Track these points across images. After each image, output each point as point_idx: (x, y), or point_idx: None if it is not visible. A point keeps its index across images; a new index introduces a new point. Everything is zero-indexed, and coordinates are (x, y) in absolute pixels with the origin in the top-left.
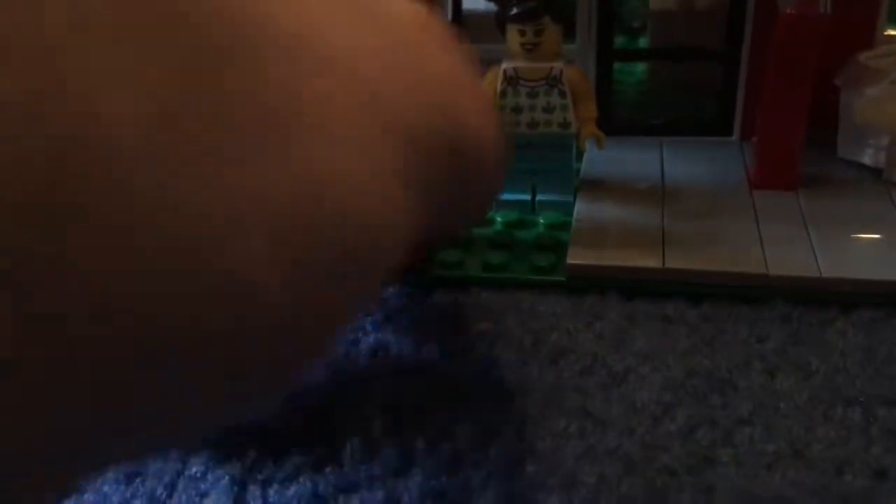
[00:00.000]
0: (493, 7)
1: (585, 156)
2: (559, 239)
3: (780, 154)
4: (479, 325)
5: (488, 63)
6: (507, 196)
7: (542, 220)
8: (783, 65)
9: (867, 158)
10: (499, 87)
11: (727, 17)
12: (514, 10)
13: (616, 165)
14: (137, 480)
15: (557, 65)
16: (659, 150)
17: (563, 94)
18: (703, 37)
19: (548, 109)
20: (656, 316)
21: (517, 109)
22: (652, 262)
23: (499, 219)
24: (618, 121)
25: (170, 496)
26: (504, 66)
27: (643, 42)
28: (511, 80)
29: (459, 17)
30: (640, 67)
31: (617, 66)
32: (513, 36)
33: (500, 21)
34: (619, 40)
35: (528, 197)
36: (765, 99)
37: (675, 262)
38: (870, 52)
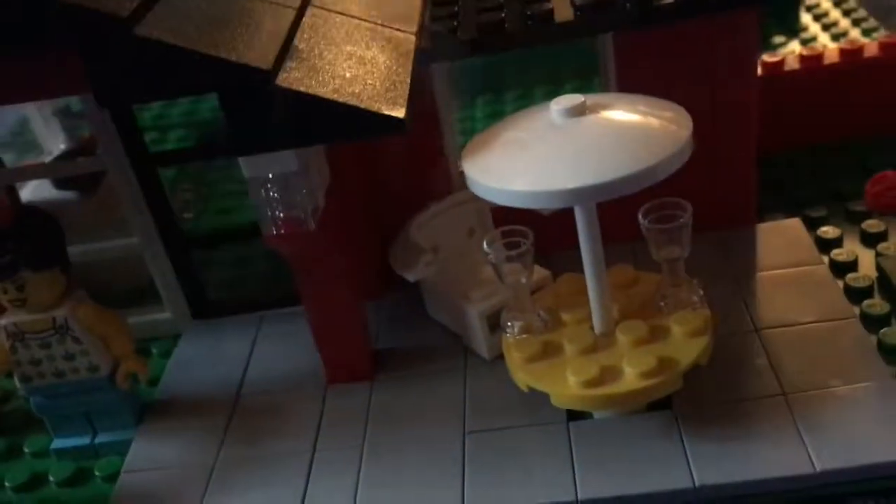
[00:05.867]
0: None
1: (171, 359)
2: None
3: (343, 351)
4: None
5: None
6: (66, 443)
7: (97, 473)
8: (302, 278)
9: (446, 321)
10: (6, 345)
11: None
12: None
13: (199, 369)
14: None
15: (60, 312)
16: (253, 335)
17: (77, 340)
18: None
19: (68, 357)
20: None
21: (35, 362)
22: None
23: (52, 478)
24: (213, 303)
25: None
26: (3, 322)
27: None
28: (15, 335)
29: None
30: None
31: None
32: None
33: None
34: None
35: (88, 442)
36: (306, 311)
37: None
38: (418, 218)
